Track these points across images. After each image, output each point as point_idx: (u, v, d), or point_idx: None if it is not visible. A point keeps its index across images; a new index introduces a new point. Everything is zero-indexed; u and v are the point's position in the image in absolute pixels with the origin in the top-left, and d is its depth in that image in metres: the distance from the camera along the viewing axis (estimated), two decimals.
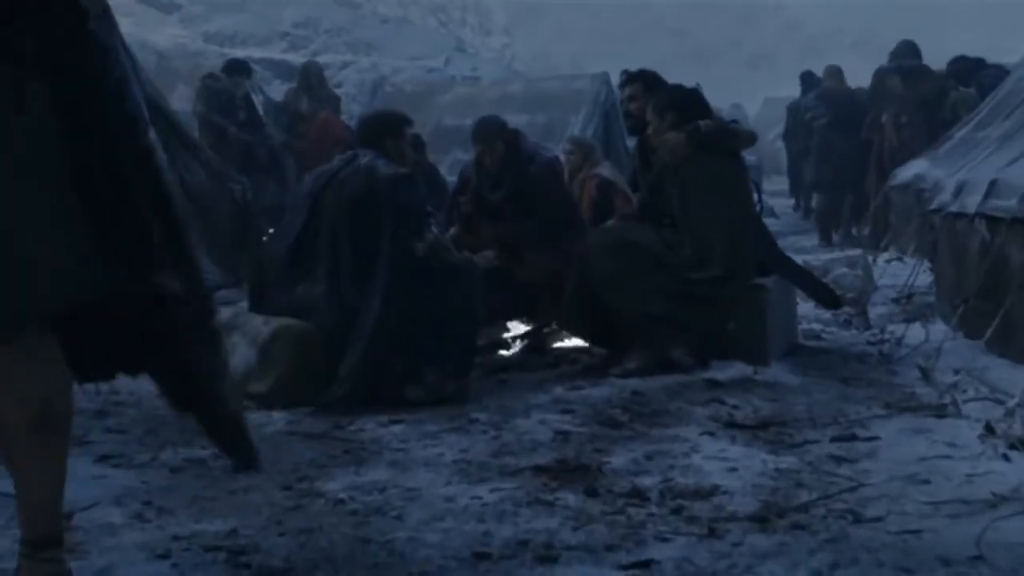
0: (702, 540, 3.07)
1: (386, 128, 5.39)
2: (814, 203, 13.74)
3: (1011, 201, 5.24)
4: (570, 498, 3.47)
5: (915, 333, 5.87)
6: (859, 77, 12.98)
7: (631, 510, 3.35)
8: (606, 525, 3.21)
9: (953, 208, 6.12)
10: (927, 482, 3.53)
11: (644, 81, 6.19)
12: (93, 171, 2.43)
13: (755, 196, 5.94)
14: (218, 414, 2.79)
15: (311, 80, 11.68)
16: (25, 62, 2.36)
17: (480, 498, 3.49)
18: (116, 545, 3.10)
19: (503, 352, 6.09)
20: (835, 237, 11.99)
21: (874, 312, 6.86)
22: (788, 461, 3.85)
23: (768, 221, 7.65)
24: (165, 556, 3.02)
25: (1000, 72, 10.24)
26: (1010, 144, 6.41)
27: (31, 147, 2.37)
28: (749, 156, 7.65)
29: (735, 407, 4.67)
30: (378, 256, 4.91)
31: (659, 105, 5.81)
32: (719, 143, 5.64)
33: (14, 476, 2.54)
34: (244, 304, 5.67)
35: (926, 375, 4.99)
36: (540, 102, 13.19)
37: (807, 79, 14.58)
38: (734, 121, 7.42)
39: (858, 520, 3.17)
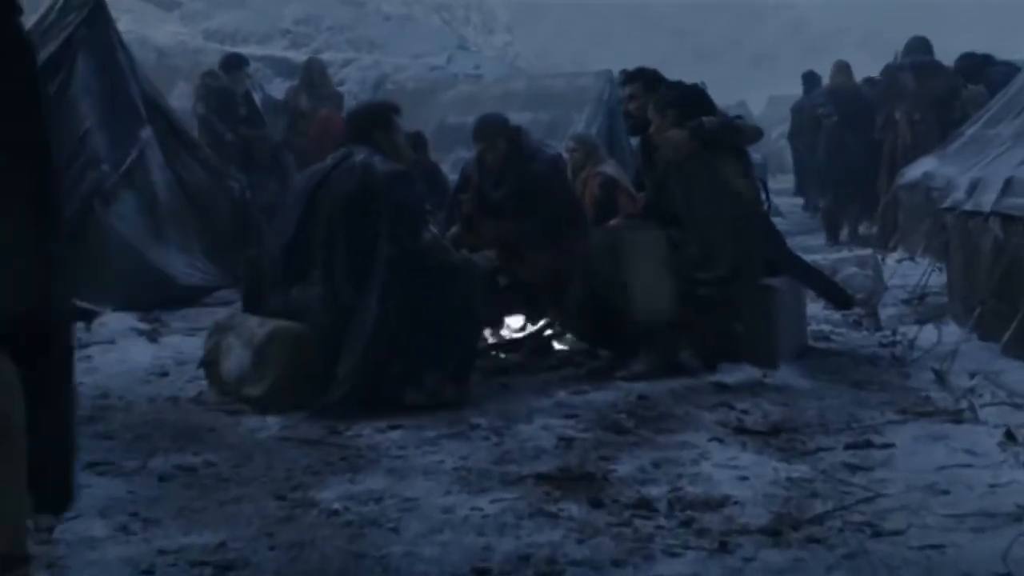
0: (713, 555, 2.93)
1: (374, 120, 5.21)
2: (821, 203, 13.58)
3: None
4: (574, 509, 3.34)
5: (927, 335, 5.73)
6: (864, 76, 12.81)
7: (638, 522, 3.22)
8: (612, 538, 3.08)
9: (967, 206, 5.98)
10: (947, 492, 3.39)
11: (644, 80, 6.04)
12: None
13: (763, 194, 5.79)
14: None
15: (313, 77, 11.55)
16: None
17: (480, 509, 3.36)
18: (98, 559, 2.98)
19: (504, 354, 5.94)
20: (842, 236, 11.84)
21: (885, 313, 6.71)
22: (801, 469, 3.72)
23: (774, 220, 7.51)
24: (149, 572, 2.90)
25: (1009, 69, 10.10)
26: None
27: None
28: (754, 154, 7.51)
29: (744, 412, 4.53)
30: (375, 255, 4.76)
31: (661, 102, 5.66)
32: (723, 139, 5.49)
33: None
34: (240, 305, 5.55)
35: (941, 379, 4.85)
36: (543, 100, 13.07)
37: (809, 79, 14.43)
38: (739, 117, 7.27)
39: (877, 534, 3.04)
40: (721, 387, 4.96)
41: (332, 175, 5.00)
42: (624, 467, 3.78)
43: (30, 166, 2.30)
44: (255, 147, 10.41)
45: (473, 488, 3.59)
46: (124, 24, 15.71)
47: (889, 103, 11.01)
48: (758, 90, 31.68)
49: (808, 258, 6.99)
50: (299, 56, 17.76)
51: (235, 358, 4.92)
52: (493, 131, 6.04)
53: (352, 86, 17.93)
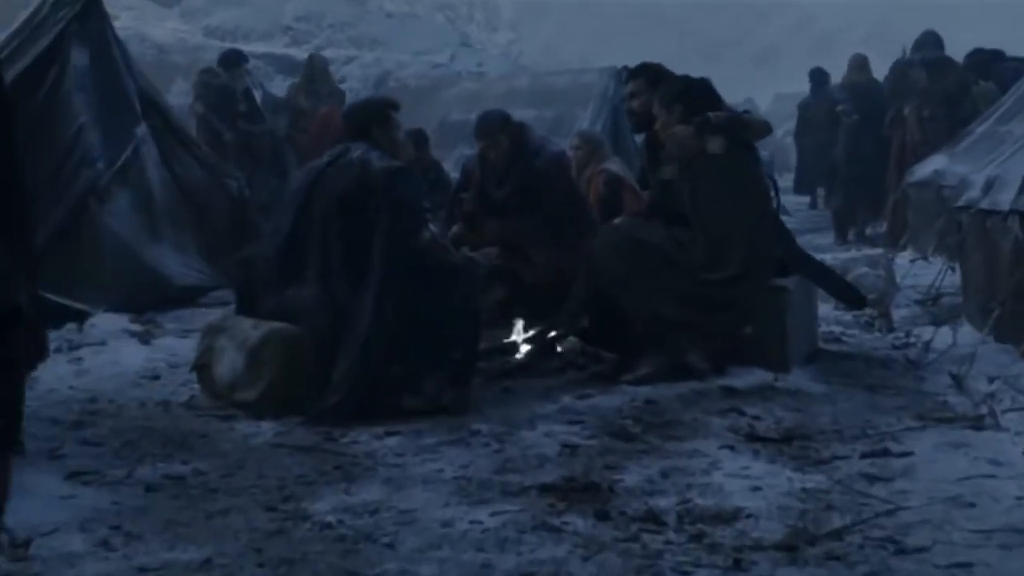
0: (727, 573, 2.77)
1: (372, 117, 5.05)
2: (825, 201, 13.38)
3: None
4: (579, 522, 3.19)
5: (942, 337, 5.56)
6: (872, 72, 12.56)
7: (646, 536, 3.07)
8: (619, 554, 2.93)
9: (984, 205, 5.81)
10: (972, 505, 3.23)
11: (647, 76, 5.87)
12: None
13: (772, 191, 5.62)
14: None
15: (314, 74, 11.41)
16: None
17: (480, 522, 3.21)
18: None
19: (506, 357, 5.76)
20: (850, 235, 11.65)
21: (897, 314, 6.54)
22: (816, 479, 3.56)
23: (783, 218, 7.33)
24: None
25: (1020, 65, 9.92)
26: None
27: None
28: (762, 151, 7.33)
29: (755, 418, 4.37)
30: (372, 254, 4.60)
31: (666, 98, 5.48)
32: (731, 135, 5.31)
33: None
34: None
35: (959, 383, 4.68)
36: (547, 97, 12.93)
37: (817, 76, 14.21)
38: (746, 111, 7.09)
39: (900, 551, 2.88)
40: (731, 391, 4.79)
41: (328, 172, 4.84)
42: (631, 477, 3.62)
43: None
44: (255, 143, 10.28)
45: (473, 499, 3.45)
46: (123, 21, 15.62)
47: (897, 99, 10.80)
48: (764, 88, 31.51)
49: (817, 257, 6.82)
50: (300, 53, 17.59)
51: (228, 361, 4.76)
52: (495, 128, 5.89)
53: (354, 83, 17.76)
